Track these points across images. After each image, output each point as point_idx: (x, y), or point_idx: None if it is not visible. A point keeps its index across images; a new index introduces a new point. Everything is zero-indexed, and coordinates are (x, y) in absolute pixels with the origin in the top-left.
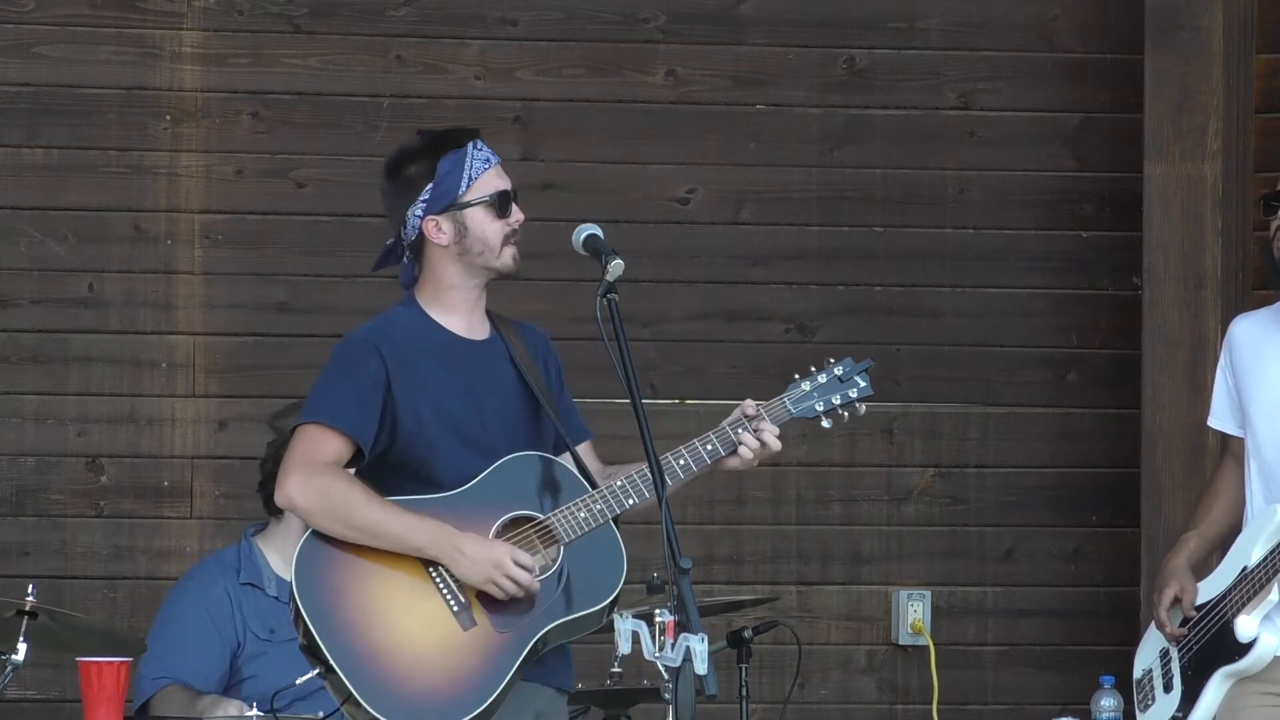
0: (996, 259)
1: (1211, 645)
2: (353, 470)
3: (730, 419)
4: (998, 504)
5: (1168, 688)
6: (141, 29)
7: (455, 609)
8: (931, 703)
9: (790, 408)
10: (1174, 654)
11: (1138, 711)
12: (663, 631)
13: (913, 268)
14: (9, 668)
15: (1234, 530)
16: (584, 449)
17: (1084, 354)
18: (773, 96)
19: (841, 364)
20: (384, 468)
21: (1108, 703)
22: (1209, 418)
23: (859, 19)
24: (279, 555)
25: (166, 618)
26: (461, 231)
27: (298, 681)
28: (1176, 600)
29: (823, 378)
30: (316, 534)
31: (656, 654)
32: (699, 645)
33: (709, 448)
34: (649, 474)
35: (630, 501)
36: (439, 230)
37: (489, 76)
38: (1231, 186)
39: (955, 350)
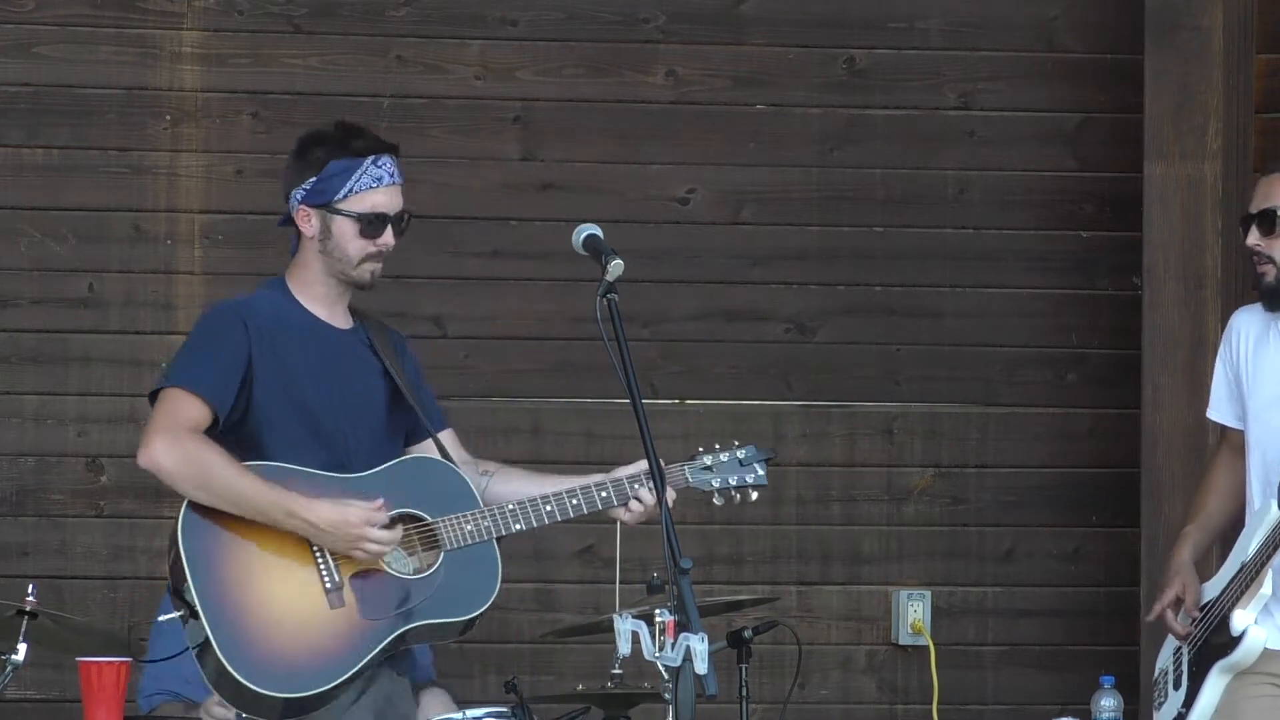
0: (996, 259)
1: (1213, 640)
2: None
3: (629, 472)
4: (998, 504)
5: (1177, 684)
6: (141, 29)
7: (328, 587)
8: (931, 703)
9: (689, 477)
10: (1184, 651)
11: (1153, 710)
12: (663, 631)
13: (913, 268)
14: (9, 668)
15: (1232, 520)
16: (447, 438)
17: (1084, 354)
18: (773, 96)
19: (746, 449)
20: (226, 438)
21: (1108, 703)
22: (1208, 409)
23: (859, 19)
24: None
25: (159, 627)
26: (327, 232)
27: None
28: (1180, 599)
29: (725, 457)
30: None
31: (656, 654)
32: (699, 645)
33: (604, 494)
34: (541, 504)
35: (518, 526)
36: (308, 221)
37: (489, 76)
38: (1231, 187)
39: (955, 350)
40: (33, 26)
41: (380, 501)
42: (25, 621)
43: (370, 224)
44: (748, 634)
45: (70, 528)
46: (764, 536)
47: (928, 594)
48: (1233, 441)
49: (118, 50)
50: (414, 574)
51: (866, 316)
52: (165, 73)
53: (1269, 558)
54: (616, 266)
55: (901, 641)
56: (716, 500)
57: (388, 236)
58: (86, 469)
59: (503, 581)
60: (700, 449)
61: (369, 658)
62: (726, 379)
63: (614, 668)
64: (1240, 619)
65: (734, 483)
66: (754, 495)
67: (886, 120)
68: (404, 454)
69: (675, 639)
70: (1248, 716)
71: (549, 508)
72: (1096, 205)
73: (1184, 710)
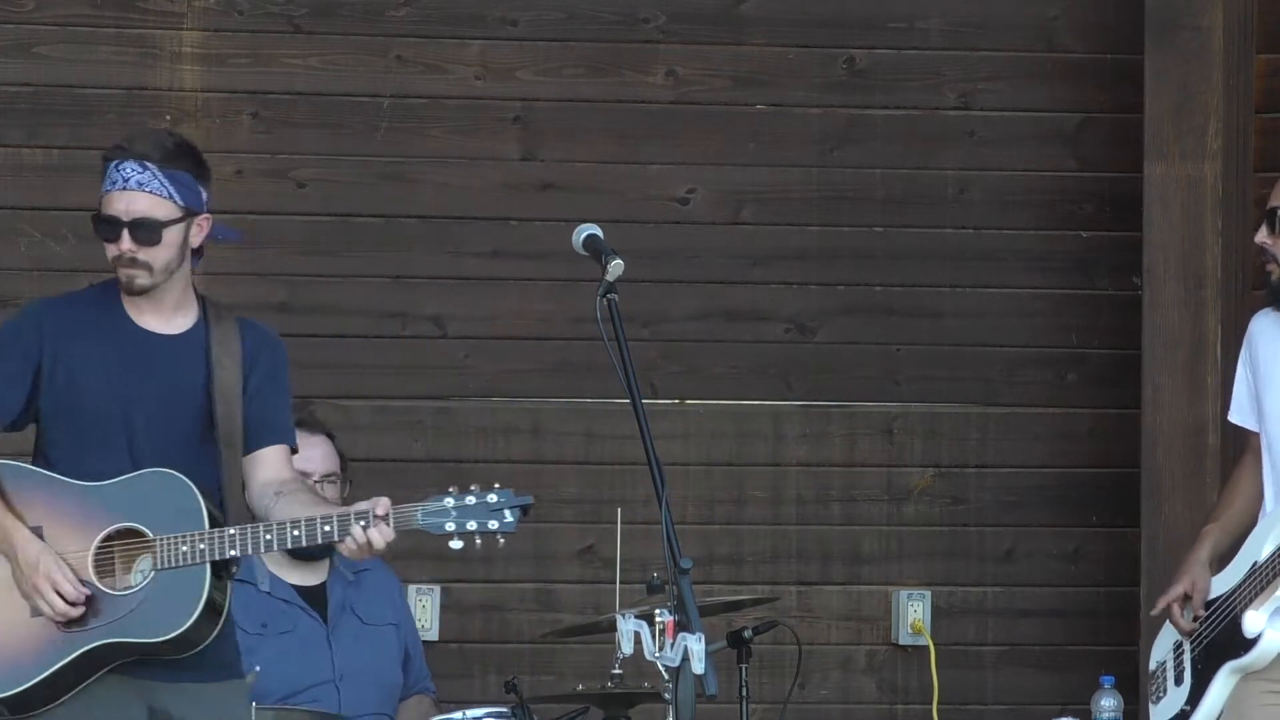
0: (996, 259)
1: (1220, 640)
2: None
3: (358, 507)
4: (997, 504)
5: (1178, 680)
6: (141, 29)
7: None
8: (931, 703)
9: (420, 519)
10: (1186, 647)
11: (1150, 703)
12: (662, 631)
13: (913, 268)
14: None
15: (1253, 523)
16: (272, 454)
17: (1084, 354)
18: (773, 96)
19: (502, 494)
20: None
21: (1108, 703)
22: (1229, 412)
23: (859, 19)
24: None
25: None
26: None
27: None
28: (1188, 596)
29: (471, 499)
30: None
31: (656, 654)
32: (696, 645)
33: (326, 529)
34: (263, 531)
35: (233, 552)
36: None
37: (489, 76)
38: (1231, 187)
39: (955, 350)
40: (33, 26)
41: (79, 590)
42: None
43: (101, 226)
44: (748, 634)
45: None
46: (764, 536)
47: (928, 594)
48: (1255, 445)
49: (118, 50)
50: (121, 590)
51: (866, 316)
52: (165, 73)
53: None
54: (616, 266)
55: (901, 641)
56: (454, 544)
57: (123, 242)
58: None
59: (503, 581)
60: (452, 488)
61: (54, 669)
62: (726, 379)
63: (614, 667)
64: (1255, 621)
65: (473, 528)
66: (500, 542)
67: (886, 120)
68: (226, 462)
69: (675, 639)
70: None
71: (269, 536)
72: (1096, 205)
73: (1187, 708)
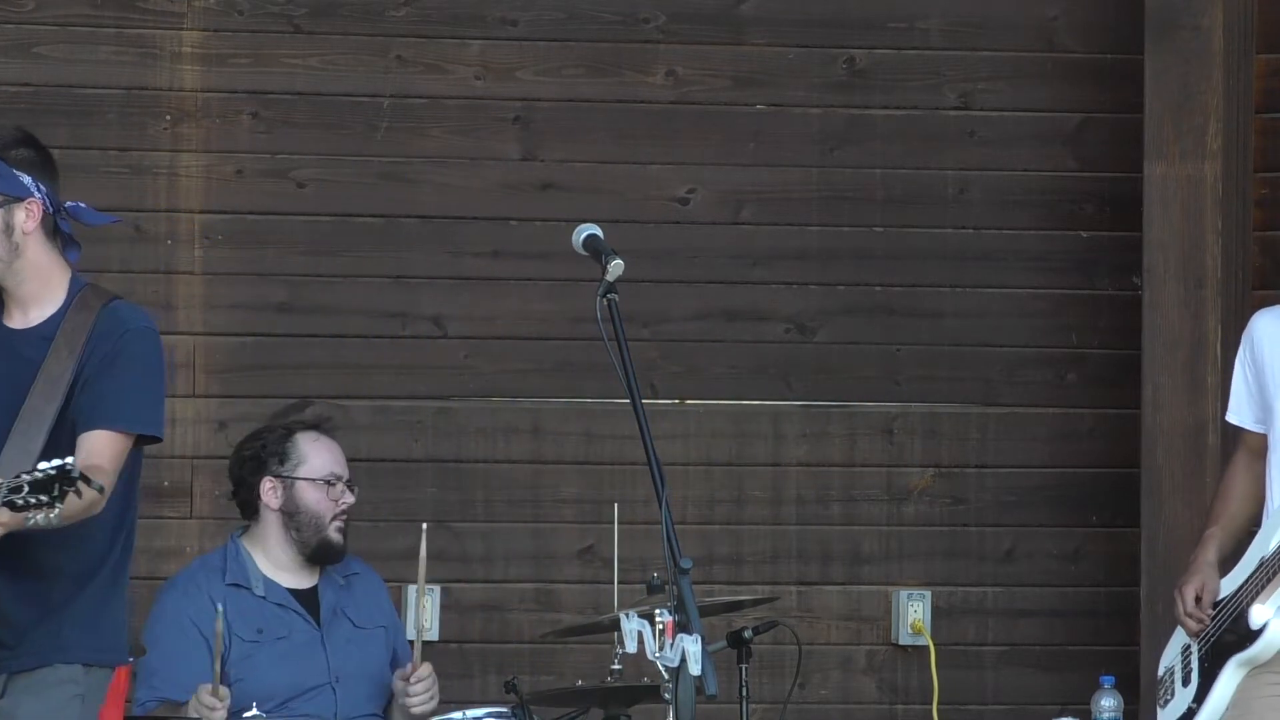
0: (996, 259)
1: (1227, 635)
2: None
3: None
4: (997, 504)
5: (1185, 681)
6: (141, 29)
7: None
8: (931, 703)
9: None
10: (1194, 648)
11: (1158, 709)
12: (662, 631)
13: (913, 268)
14: None
15: (1252, 522)
16: (88, 438)
17: (1084, 354)
18: (773, 96)
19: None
20: None
21: (1108, 703)
22: (1226, 412)
23: (859, 19)
24: (264, 555)
25: (153, 636)
26: None
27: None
28: (1198, 598)
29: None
30: None
31: (656, 654)
32: (692, 646)
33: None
34: None
35: None
36: None
37: (489, 76)
38: (1231, 187)
39: (955, 350)
40: (32, 26)
41: None
42: None
43: None
44: (748, 634)
45: None
46: (764, 537)
47: (928, 594)
48: (1250, 445)
49: (118, 50)
50: None
51: (866, 316)
52: (165, 73)
53: None
54: (616, 266)
55: (901, 641)
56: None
57: None
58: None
59: (503, 581)
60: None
61: None
62: (726, 379)
63: (614, 663)
64: (1260, 613)
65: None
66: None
67: (886, 120)
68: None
69: (674, 639)
70: (1260, 713)
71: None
72: (1096, 205)
73: (1194, 705)
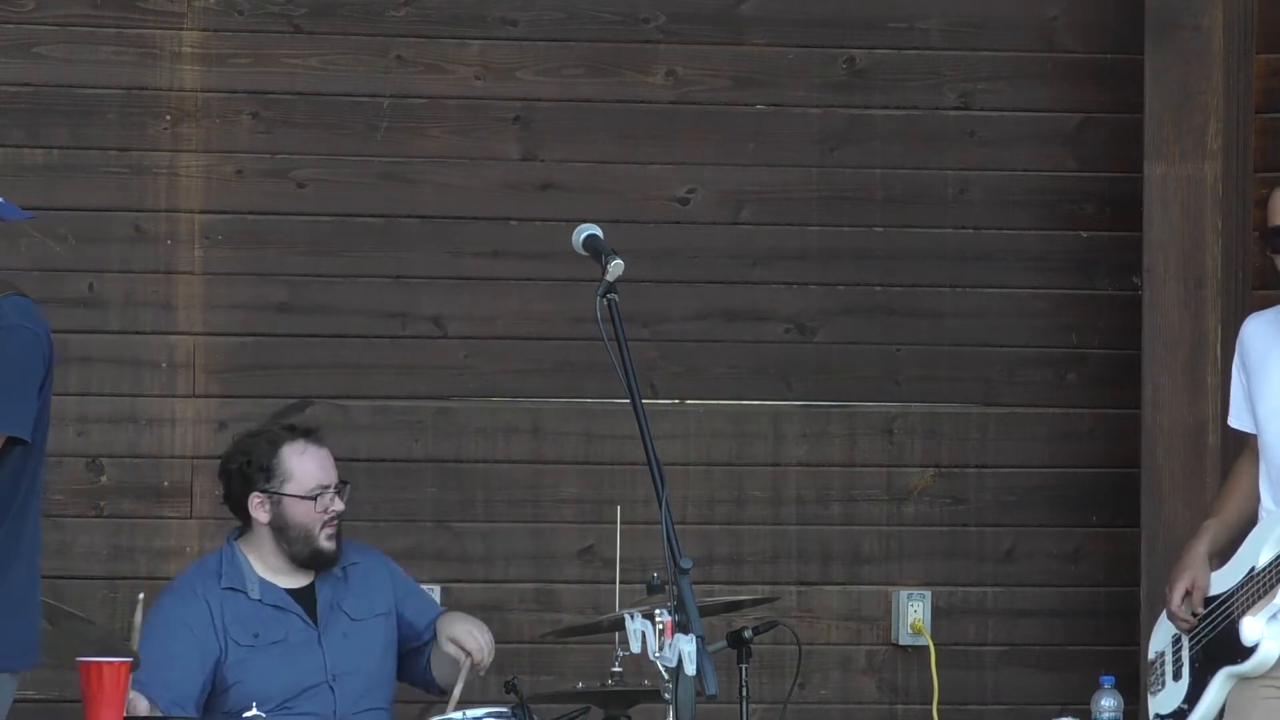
0: (996, 259)
1: (1218, 642)
2: None
3: None
4: (998, 504)
5: (1177, 675)
6: (141, 29)
7: None
8: (932, 703)
9: None
10: (1185, 642)
11: (1148, 694)
12: (661, 632)
13: (912, 268)
14: None
15: (1251, 519)
16: None
17: (1084, 354)
18: (773, 96)
19: None
20: None
21: (1108, 703)
22: (1228, 417)
23: (859, 19)
24: (259, 559)
25: (148, 640)
26: None
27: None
28: (1188, 592)
29: None
30: None
31: (656, 654)
32: (687, 646)
33: None
34: None
35: None
36: None
37: (489, 76)
38: (1231, 187)
39: (955, 350)
40: (32, 26)
41: None
42: None
43: None
44: (748, 634)
45: (70, 528)
46: (764, 537)
47: (928, 594)
48: (1254, 447)
49: (118, 50)
50: None
51: (866, 316)
52: (165, 73)
53: None
54: (616, 266)
55: (901, 642)
56: None
57: None
58: (86, 469)
59: (503, 581)
60: None
61: None
62: (726, 379)
63: (614, 665)
64: (1252, 629)
65: None
66: None
67: (886, 120)
68: None
69: (673, 639)
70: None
71: None
72: (1096, 205)
73: (1185, 706)
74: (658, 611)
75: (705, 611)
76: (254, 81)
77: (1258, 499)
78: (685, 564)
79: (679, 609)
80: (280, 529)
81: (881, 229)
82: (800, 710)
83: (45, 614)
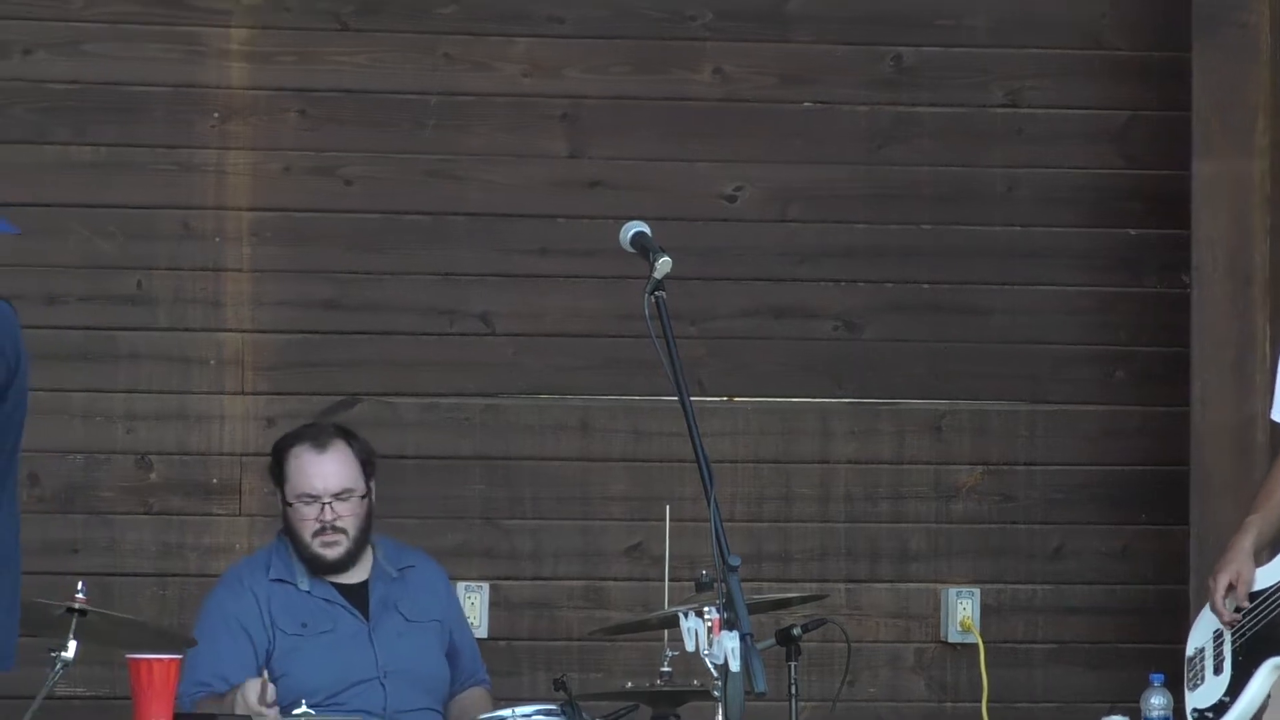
0: (1044, 257)
1: (1263, 635)
2: None
3: None
4: (1046, 502)
5: (1218, 670)
6: (189, 26)
7: None
8: (981, 700)
9: None
10: (1227, 636)
11: (1186, 689)
12: (709, 629)
13: (960, 265)
14: (59, 665)
15: None
16: None
17: (1132, 352)
18: (820, 94)
19: None
20: None
21: (1157, 701)
22: (1272, 410)
23: (906, 16)
24: None
25: (200, 630)
26: None
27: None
28: (1232, 586)
29: None
30: None
31: (706, 651)
32: (730, 642)
33: None
34: None
35: None
36: None
37: (536, 74)
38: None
39: (1003, 348)
40: (81, 24)
41: None
42: (75, 619)
43: None
44: (797, 632)
45: (119, 525)
46: (812, 534)
47: (976, 591)
48: None
49: (165, 48)
50: None
51: (914, 314)
52: (213, 70)
53: None
54: (664, 264)
55: (950, 639)
56: None
57: None
58: (135, 466)
59: (552, 578)
60: None
61: None
62: (774, 376)
63: (663, 665)
64: None
65: None
66: None
67: (934, 118)
68: None
69: (720, 636)
70: None
71: None
72: (1144, 203)
73: (1227, 699)
74: (706, 609)
75: (754, 609)
76: (301, 79)
77: None
78: (734, 561)
79: (728, 606)
80: (287, 531)
81: (929, 226)
82: (849, 708)
83: (93, 613)
